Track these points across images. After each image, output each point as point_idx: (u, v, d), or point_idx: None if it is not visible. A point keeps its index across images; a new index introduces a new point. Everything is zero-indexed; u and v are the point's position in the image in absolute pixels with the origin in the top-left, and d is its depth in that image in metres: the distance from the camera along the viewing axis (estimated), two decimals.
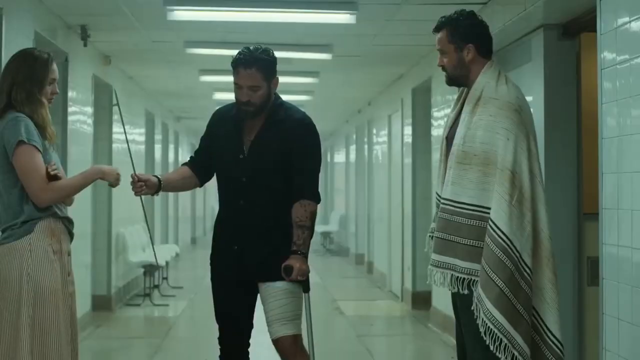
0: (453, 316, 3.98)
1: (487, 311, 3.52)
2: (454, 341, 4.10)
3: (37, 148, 3.70)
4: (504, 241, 3.51)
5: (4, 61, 5.54)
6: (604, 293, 4.38)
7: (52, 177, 3.76)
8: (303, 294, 4.12)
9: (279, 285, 4.08)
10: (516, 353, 3.52)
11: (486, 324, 3.54)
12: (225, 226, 4.24)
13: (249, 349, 4.31)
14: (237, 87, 4.13)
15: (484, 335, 3.55)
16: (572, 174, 5.84)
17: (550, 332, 3.62)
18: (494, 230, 3.53)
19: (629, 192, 4.10)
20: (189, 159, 4.44)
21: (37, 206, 3.70)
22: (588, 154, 5.65)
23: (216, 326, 4.27)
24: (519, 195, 3.54)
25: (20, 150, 3.65)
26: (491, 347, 3.53)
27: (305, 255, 4.05)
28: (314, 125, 4.21)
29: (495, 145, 3.57)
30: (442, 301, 8.20)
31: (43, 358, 3.67)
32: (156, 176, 4.30)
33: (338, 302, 10.79)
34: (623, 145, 4.17)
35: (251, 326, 4.28)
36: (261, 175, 4.11)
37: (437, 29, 3.80)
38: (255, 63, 4.07)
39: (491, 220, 3.54)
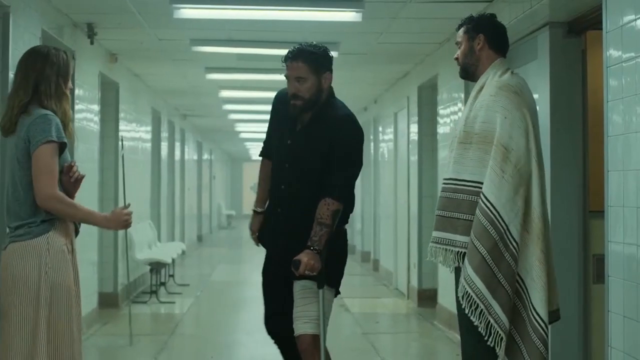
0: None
1: (468, 276, 3.62)
2: (460, 338, 4.13)
3: (58, 149, 3.68)
4: (491, 212, 3.60)
5: (11, 59, 5.57)
6: (609, 290, 4.38)
7: (76, 180, 3.82)
8: (321, 290, 4.15)
9: (303, 283, 4.16)
10: (491, 320, 3.60)
11: (465, 289, 3.64)
12: (271, 212, 4.34)
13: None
14: (287, 81, 4.21)
15: (461, 300, 3.65)
16: (577, 172, 5.84)
17: (535, 310, 3.67)
18: (483, 202, 3.63)
19: (634, 190, 4.11)
20: (263, 150, 4.49)
21: (37, 203, 3.66)
22: (594, 152, 5.65)
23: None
24: (512, 170, 3.63)
25: (46, 148, 3.63)
26: (467, 311, 3.62)
27: (318, 252, 4.07)
28: (356, 125, 4.21)
29: (494, 123, 3.70)
30: (448, 299, 8.21)
31: (57, 356, 3.69)
32: (255, 211, 4.42)
33: (344, 299, 10.79)
34: (629, 143, 4.17)
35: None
36: (301, 165, 4.19)
37: (458, 27, 4.05)
38: (301, 55, 4.17)
39: (482, 193, 3.65)
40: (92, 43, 7.86)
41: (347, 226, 4.40)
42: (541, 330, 3.64)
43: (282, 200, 4.28)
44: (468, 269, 3.63)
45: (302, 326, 4.17)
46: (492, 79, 3.84)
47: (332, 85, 4.35)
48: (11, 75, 5.58)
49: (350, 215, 4.39)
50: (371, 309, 10.38)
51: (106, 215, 3.89)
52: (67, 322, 3.72)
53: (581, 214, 5.82)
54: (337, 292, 4.37)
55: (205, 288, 12.01)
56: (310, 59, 4.16)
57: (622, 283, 4.24)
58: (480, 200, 3.65)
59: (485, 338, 3.64)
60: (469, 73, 3.98)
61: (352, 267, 15.65)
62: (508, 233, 3.61)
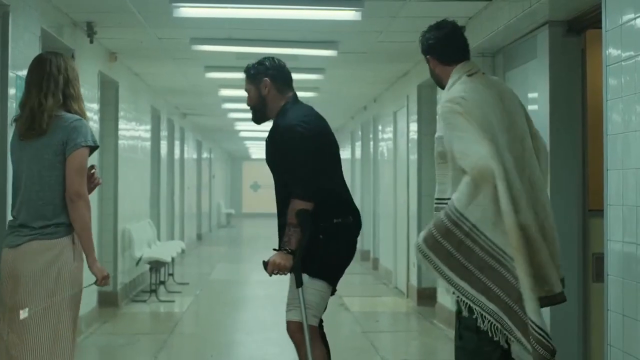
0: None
1: (437, 266, 3.73)
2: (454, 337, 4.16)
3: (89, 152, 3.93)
4: (454, 214, 3.68)
5: (11, 58, 5.56)
6: (608, 289, 4.38)
7: (94, 186, 4.05)
8: (300, 289, 4.37)
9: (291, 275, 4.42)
10: (465, 298, 3.69)
11: (438, 279, 3.76)
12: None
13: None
14: None
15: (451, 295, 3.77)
16: (577, 171, 5.85)
17: (530, 319, 3.64)
18: (448, 206, 3.73)
19: (634, 189, 4.11)
20: None
21: (67, 198, 3.81)
22: (593, 151, 5.66)
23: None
24: (470, 173, 3.67)
25: (84, 151, 3.86)
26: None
27: (288, 252, 4.32)
28: (294, 126, 4.41)
29: (450, 140, 3.83)
30: (448, 297, 8.20)
31: (74, 355, 3.86)
32: None
33: (344, 298, 10.80)
34: (628, 142, 4.17)
35: None
36: (274, 176, 4.57)
37: None
38: (245, 73, 4.72)
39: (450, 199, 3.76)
40: (91, 42, 7.86)
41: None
42: (538, 335, 3.62)
43: (278, 210, 4.60)
44: (436, 260, 3.72)
45: (287, 314, 4.45)
46: (443, 97, 4.02)
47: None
48: (11, 74, 5.58)
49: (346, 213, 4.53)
50: (371, 308, 10.39)
51: (97, 262, 3.97)
52: (78, 320, 3.91)
53: (581, 213, 5.83)
54: (334, 290, 4.55)
55: (204, 287, 12.01)
56: (247, 72, 4.68)
57: (621, 282, 4.24)
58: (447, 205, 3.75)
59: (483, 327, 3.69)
60: (443, 88, 4.17)
61: (351, 266, 15.57)
62: (475, 229, 3.67)
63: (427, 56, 4.12)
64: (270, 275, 4.42)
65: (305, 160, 4.37)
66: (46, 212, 3.82)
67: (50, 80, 3.92)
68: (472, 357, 3.82)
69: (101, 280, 3.94)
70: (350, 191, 4.71)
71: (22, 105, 3.97)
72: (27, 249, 3.78)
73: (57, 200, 3.82)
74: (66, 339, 3.78)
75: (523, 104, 4.20)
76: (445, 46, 4.06)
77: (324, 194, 4.39)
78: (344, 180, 4.66)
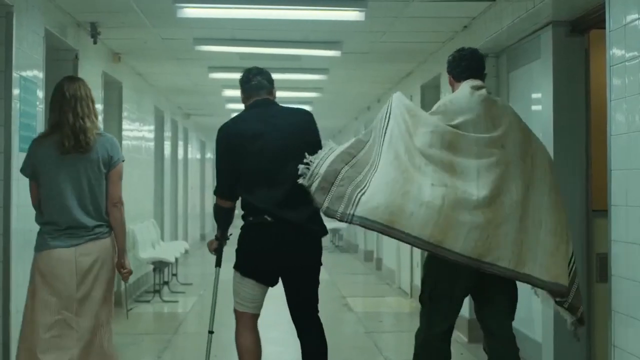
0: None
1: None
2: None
3: None
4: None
5: (15, 58, 5.57)
6: (612, 289, 4.38)
7: None
8: (217, 268, 5.38)
9: None
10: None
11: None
12: None
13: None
14: None
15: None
16: (581, 171, 5.85)
17: None
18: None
19: (637, 189, 4.11)
20: None
21: (111, 204, 4.52)
22: (597, 151, 5.65)
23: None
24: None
25: (122, 165, 4.60)
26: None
27: (216, 238, 5.17)
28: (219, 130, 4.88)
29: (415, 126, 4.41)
30: None
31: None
32: None
33: (347, 298, 10.81)
34: (632, 142, 4.17)
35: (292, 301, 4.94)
36: None
37: None
38: None
39: None
40: (95, 42, 7.86)
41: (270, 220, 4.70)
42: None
43: None
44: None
45: None
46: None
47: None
48: (15, 75, 5.58)
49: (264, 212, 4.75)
50: (374, 308, 10.39)
51: (124, 258, 4.73)
52: None
53: (584, 213, 5.82)
54: (261, 281, 4.88)
55: (208, 287, 12.00)
56: None
57: (625, 282, 4.24)
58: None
59: None
60: None
61: (355, 266, 15.66)
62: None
63: (448, 75, 4.67)
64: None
65: (215, 162, 4.86)
66: (96, 215, 4.48)
67: (83, 105, 4.51)
68: (424, 326, 4.42)
69: (128, 272, 4.74)
70: None
71: (57, 124, 4.47)
72: (90, 247, 4.46)
73: (103, 205, 4.51)
74: (111, 315, 4.75)
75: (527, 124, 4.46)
76: (458, 65, 4.59)
77: (242, 196, 4.77)
78: (268, 185, 4.67)
